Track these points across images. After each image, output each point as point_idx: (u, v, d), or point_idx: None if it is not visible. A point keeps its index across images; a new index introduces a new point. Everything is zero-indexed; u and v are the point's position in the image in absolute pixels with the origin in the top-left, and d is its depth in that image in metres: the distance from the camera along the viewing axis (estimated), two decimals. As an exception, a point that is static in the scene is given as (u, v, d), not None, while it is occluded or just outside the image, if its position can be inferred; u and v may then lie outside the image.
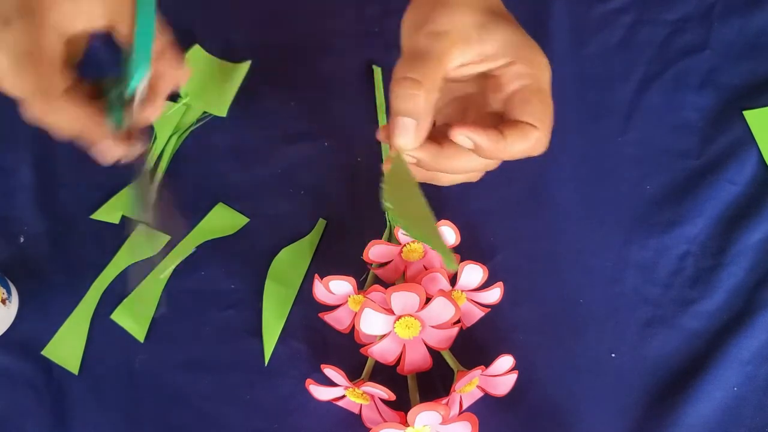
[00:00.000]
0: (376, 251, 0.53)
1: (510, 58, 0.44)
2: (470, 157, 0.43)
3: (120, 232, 0.58)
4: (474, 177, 0.48)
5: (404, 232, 0.43)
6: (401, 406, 0.50)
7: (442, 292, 0.48)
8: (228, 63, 0.64)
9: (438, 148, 0.43)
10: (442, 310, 0.49)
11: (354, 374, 0.50)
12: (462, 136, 0.41)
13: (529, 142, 0.43)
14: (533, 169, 0.61)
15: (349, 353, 0.53)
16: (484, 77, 0.45)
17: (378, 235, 0.56)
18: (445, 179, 0.47)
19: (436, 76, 0.42)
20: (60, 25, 0.42)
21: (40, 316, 0.56)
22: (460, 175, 0.46)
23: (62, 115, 0.43)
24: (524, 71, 0.44)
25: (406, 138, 0.42)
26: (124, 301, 0.56)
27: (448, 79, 0.44)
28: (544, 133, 0.44)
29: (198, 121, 0.62)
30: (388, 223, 0.57)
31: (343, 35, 0.66)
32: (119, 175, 0.60)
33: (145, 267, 0.57)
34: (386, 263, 0.55)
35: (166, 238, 0.58)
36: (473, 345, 0.54)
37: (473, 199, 0.59)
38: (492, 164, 0.46)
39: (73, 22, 0.42)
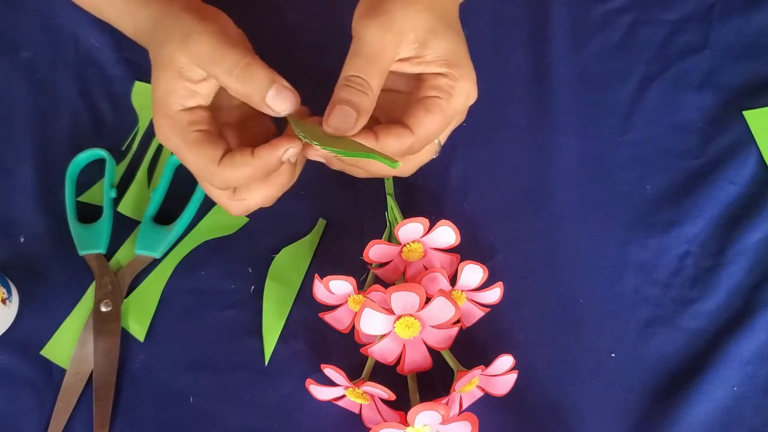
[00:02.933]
0: (376, 251, 0.53)
1: (443, 70, 0.45)
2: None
3: (119, 231, 0.58)
4: (403, 172, 0.49)
5: (338, 155, 0.44)
6: (401, 406, 0.50)
7: (442, 292, 0.48)
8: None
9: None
10: (442, 310, 0.49)
11: (354, 374, 0.50)
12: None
13: (402, 144, 0.44)
14: (533, 169, 0.61)
15: (349, 353, 0.53)
16: (415, 78, 0.46)
17: (378, 235, 0.56)
18: (361, 172, 0.48)
19: (383, 76, 0.44)
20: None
21: (40, 316, 0.56)
22: (378, 169, 0.47)
23: (233, 180, 0.45)
24: (445, 87, 0.45)
25: (345, 126, 0.43)
26: (124, 301, 0.56)
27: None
28: (420, 142, 0.45)
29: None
30: (388, 223, 0.57)
31: (343, 34, 0.65)
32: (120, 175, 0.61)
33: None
34: (386, 263, 0.55)
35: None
36: (473, 345, 0.54)
37: (473, 199, 0.59)
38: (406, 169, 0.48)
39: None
